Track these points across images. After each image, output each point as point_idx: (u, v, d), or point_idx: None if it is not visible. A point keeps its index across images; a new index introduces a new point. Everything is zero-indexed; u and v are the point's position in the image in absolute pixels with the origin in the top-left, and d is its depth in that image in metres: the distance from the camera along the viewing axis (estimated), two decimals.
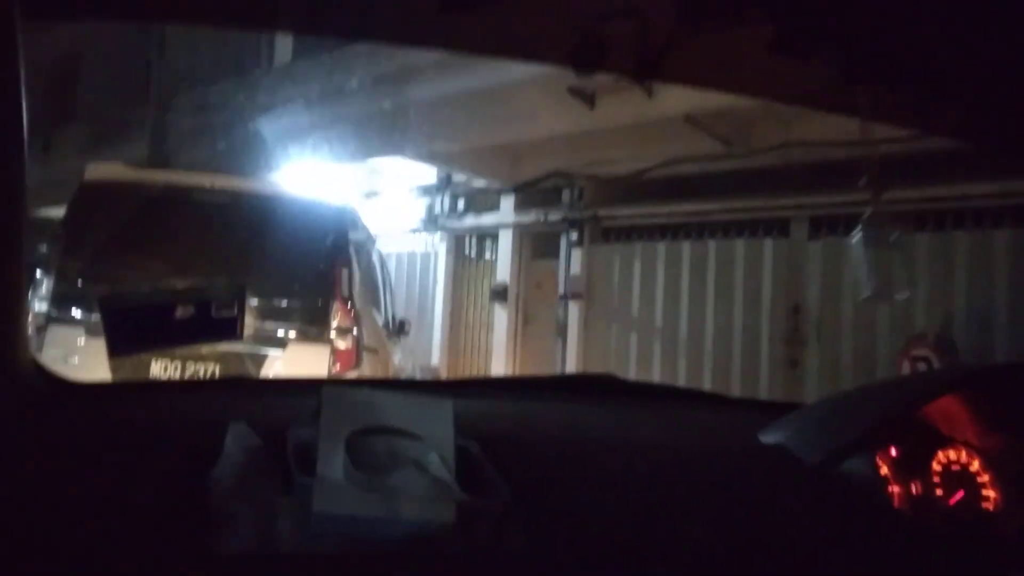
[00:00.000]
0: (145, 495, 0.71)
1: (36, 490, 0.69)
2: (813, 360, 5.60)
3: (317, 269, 3.81)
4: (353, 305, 3.85)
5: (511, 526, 0.77)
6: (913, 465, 1.04)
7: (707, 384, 5.97)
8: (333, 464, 0.74)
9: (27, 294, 0.71)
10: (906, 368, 4.23)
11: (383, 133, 6.21)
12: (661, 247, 6.51)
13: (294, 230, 3.75)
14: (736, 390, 5.82)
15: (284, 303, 3.70)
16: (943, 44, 0.92)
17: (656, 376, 6.39)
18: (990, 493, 1.00)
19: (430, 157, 6.83)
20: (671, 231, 6.48)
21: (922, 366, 4.16)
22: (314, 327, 3.72)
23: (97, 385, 0.95)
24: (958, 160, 4.27)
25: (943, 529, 1.01)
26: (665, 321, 6.44)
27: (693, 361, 6.23)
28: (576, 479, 0.89)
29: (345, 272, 3.86)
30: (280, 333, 3.64)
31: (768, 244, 5.93)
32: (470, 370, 7.79)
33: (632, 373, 6.47)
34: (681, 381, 6.08)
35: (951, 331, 4.70)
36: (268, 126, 6.55)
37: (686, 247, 6.37)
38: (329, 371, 3.65)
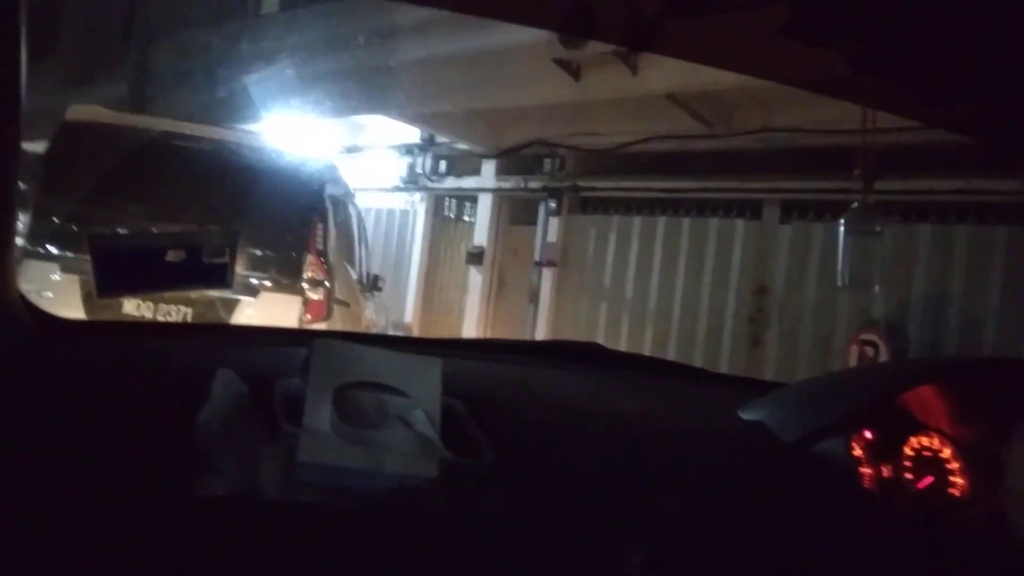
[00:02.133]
0: (131, 436, 0.69)
1: (24, 426, 0.67)
2: (774, 340, 5.68)
3: (293, 221, 3.78)
4: (326, 258, 3.85)
5: (493, 485, 0.77)
6: (886, 449, 1.04)
7: (671, 357, 6.03)
8: (320, 415, 0.73)
9: (14, 233, 0.68)
10: (854, 352, 4.31)
11: (367, 90, 6.08)
12: (637, 221, 6.50)
13: (272, 182, 3.71)
14: (698, 364, 5.89)
15: (259, 252, 3.67)
16: (954, 39, 0.89)
17: (623, 346, 6.43)
18: (958, 480, 1.01)
19: (414, 118, 6.73)
20: (647, 206, 6.48)
21: (870, 351, 4.25)
22: (286, 277, 3.70)
23: (86, 323, 0.93)
24: (929, 155, 4.31)
25: (910, 511, 1.02)
26: (635, 293, 6.46)
27: (659, 333, 6.28)
28: (559, 443, 0.89)
29: (320, 225, 3.86)
30: (253, 281, 3.62)
31: (740, 225, 5.96)
32: (443, 330, 7.78)
33: (601, 340, 6.49)
34: (647, 352, 6.13)
35: (906, 320, 4.78)
36: (250, 76, 6.36)
37: (661, 223, 6.37)
38: (300, 321, 3.65)
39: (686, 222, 6.24)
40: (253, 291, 3.61)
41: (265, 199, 3.64)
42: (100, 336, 0.92)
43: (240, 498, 0.67)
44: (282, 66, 6.26)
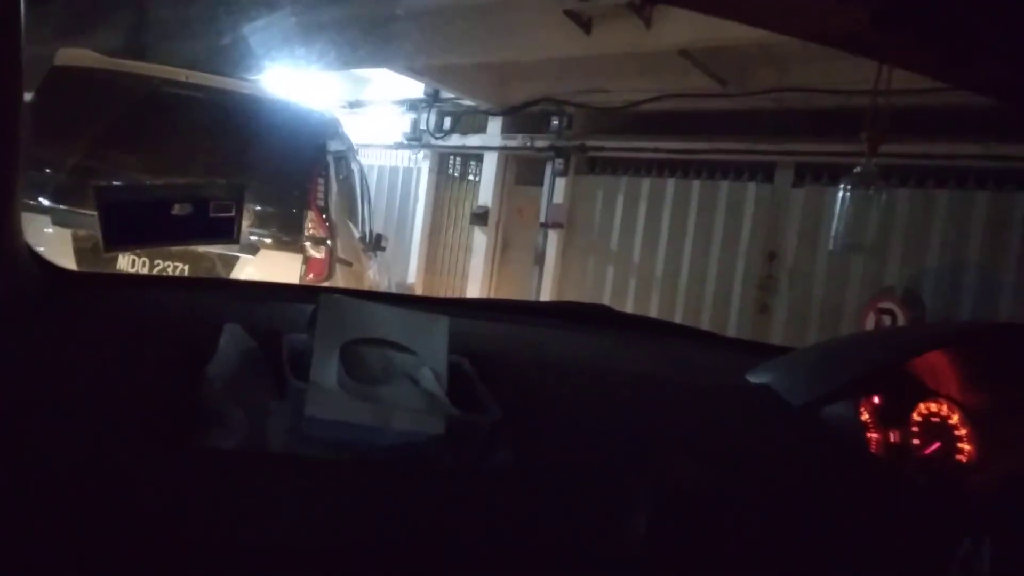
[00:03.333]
0: (139, 388, 0.70)
1: (33, 377, 0.68)
2: (783, 307, 5.68)
3: (293, 176, 3.69)
4: (328, 215, 3.77)
5: (499, 443, 0.78)
6: (894, 414, 1.05)
7: (678, 322, 6.04)
8: (327, 371, 0.74)
9: (19, 184, 0.69)
10: (871, 320, 4.30)
11: (373, 41, 5.98)
12: (646, 182, 6.45)
13: (271, 134, 3.61)
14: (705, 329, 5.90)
15: (258, 207, 3.58)
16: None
17: (629, 310, 6.44)
18: (966, 447, 1.01)
19: (418, 71, 6.60)
20: (656, 167, 6.41)
21: (887, 319, 4.24)
22: (287, 234, 3.61)
23: (94, 275, 0.98)
24: (953, 118, 4.25)
25: (915, 476, 1.03)
26: (642, 257, 6.44)
27: (666, 298, 6.28)
28: (566, 403, 0.90)
29: (322, 181, 3.76)
30: (253, 238, 3.54)
31: (751, 188, 5.90)
32: (446, 291, 7.79)
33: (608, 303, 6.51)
34: (653, 316, 6.14)
35: (920, 287, 4.77)
36: (251, 25, 6.25)
37: (670, 185, 6.32)
38: (301, 279, 3.59)
39: (696, 184, 6.19)
40: (253, 248, 3.54)
41: (265, 152, 3.55)
42: (109, 289, 0.93)
43: (247, 451, 0.68)
44: (285, 14, 6.15)
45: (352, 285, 4.11)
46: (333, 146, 4.09)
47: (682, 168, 6.27)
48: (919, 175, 5.09)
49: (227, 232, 0.91)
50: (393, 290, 7.58)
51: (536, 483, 0.77)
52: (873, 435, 1.05)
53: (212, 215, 0.89)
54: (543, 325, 1.19)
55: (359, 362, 0.78)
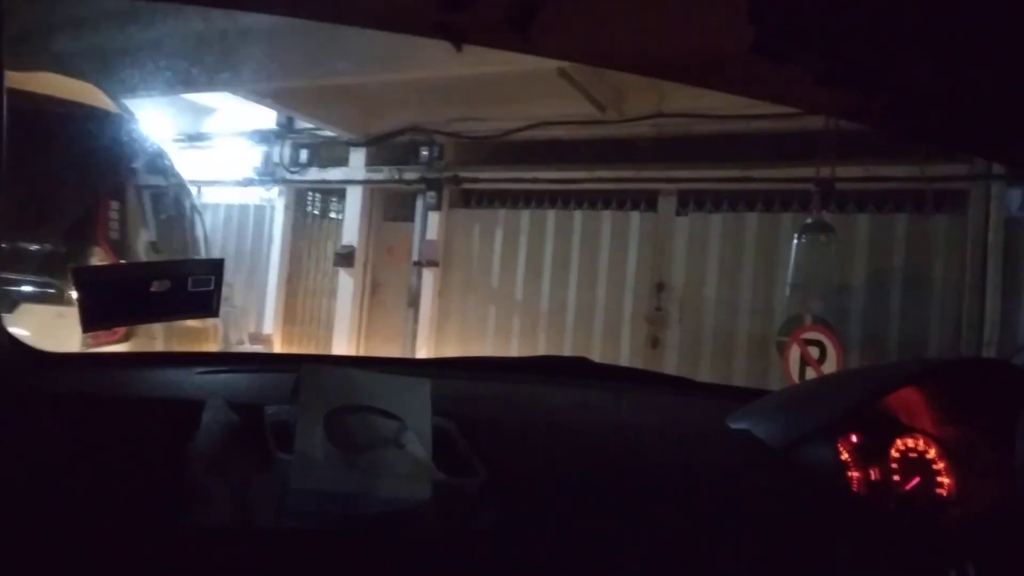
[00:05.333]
0: (124, 468, 0.75)
1: (10, 459, 0.72)
2: (675, 340, 5.96)
3: (75, 202, 2.99)
4: (128, 253, 3.08)
5: (486, 505, 0.84)
6: (873, 452, 1.14)
7: None
8: (311, 441, 0.79)
9: None
10: (795, 354, 4.53)
11: (207, 62, 5.74)
12: (525, 215, 6.61)
13: (37, 145, 2.71)
14: None
15: (32, 245, 2.84)
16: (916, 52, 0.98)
17: (514, 351, 6.53)
18: (944, 480, 1.12)
19: (267, 96, 6.39)
20: (536, 198, 6.61)
21: (815, 351, 4.51)
22: (59, 280, 2.77)
23: (69, 355, 0.99)
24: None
25: (898, 513, 1.11)
26: (526, 293, 6.58)
27: (554, 336, 6.43)
28: (550, 460, 0.97)
29: (116, 208, 3.08)
30: (24, 288, 2.76)
31: (635, 217, 6.20)
32: (309, 341, 7.56)
33: (489, 347, 6.57)
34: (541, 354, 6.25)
35: (837, 316, 5.12)
36: (67, 43, 5.87)
37: (551, 216, 6.52)
38: (82, 343, 2.65)
39: (578, 215, 6.43)
40: (11, 303, 2.71)
41: (31, 170, 2.92)
42: (84, 367, 0.98)
43: (232, 527, 0.73)
44: (106, 33, 5.81)
45: (185, 343, 3.54)
46: (131, 157, 3.43)
47: (563, 199, 6.50)
48: (800, 198, 5.55)
49: (206, 306, 0.96)
50: (247, 343, 7.29)
51: (524, 544, 0.82)
52: (854, 474, 1.13)
53: (191, 290, 0.93)
54: (523, 381, 1.26)
55: (343, 430, 0.82)
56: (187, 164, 7.31)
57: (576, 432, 1.04)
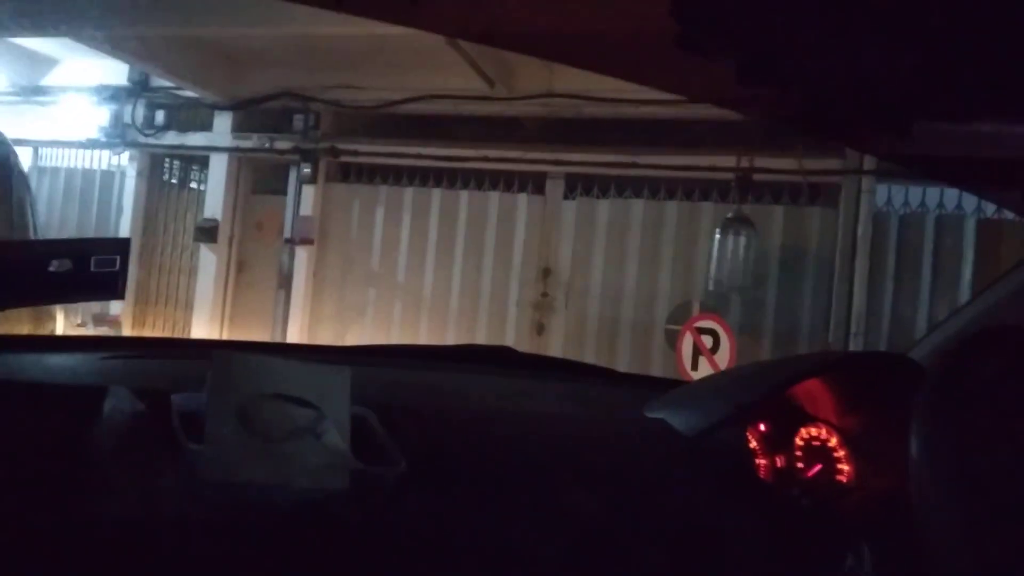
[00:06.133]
0: (18, 458, 0.74)
1: None
2: (560, 327, 6.09)
3: None
4: None
5: (405, 494, 0.86)
6: (779, 440, 1.22)
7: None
8: (223, 430, 0.80)
9: None
10: (688, 340, 4.70)
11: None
12: (408, 192, 6.55)
13: None
14: None
15: None
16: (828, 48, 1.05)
17: (394, 337, 6.48)
18: (845, 467, 1.20)
19: (116, 46, 5.92)
20: (420, 175, 6.54)
21: (708, 339, 4.69)
22: None
23: None
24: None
25: (801, 498, 1.20)
26: (408, 276, 6.52)
27: (436, 321, 6.42)
28: (470, 448, 1.00)
29: None
30: None
31: (523, 199, 6.27)
32: (164, 322, 7.21)
33: (368, 332, 6.49)
34: (422, 341, 6.24)
35: (707, 301, 5.36)
36: None
37: (436, 195, 6.48)
38: None
39: (464, 195, 6.43)
40: None
41: None
42: None
43: (137, 520, 0.72)
44: None
45: (15, 324, 3.36)
46: None
47: (449, 177, 6.47)
48: (685, 188, 5.78)
49: (111, 288, 0.94)
50: (90, 325, 6.89)
51: (442, 533, 0.84)
52: (762, 461, 1.21)
53: (94, 270, 0.91)
54: (445, 370, 1.29)
55: (258, 420, 0.83)
56: (20, 121, 6.80)
57: (496, 421, 1.08)
